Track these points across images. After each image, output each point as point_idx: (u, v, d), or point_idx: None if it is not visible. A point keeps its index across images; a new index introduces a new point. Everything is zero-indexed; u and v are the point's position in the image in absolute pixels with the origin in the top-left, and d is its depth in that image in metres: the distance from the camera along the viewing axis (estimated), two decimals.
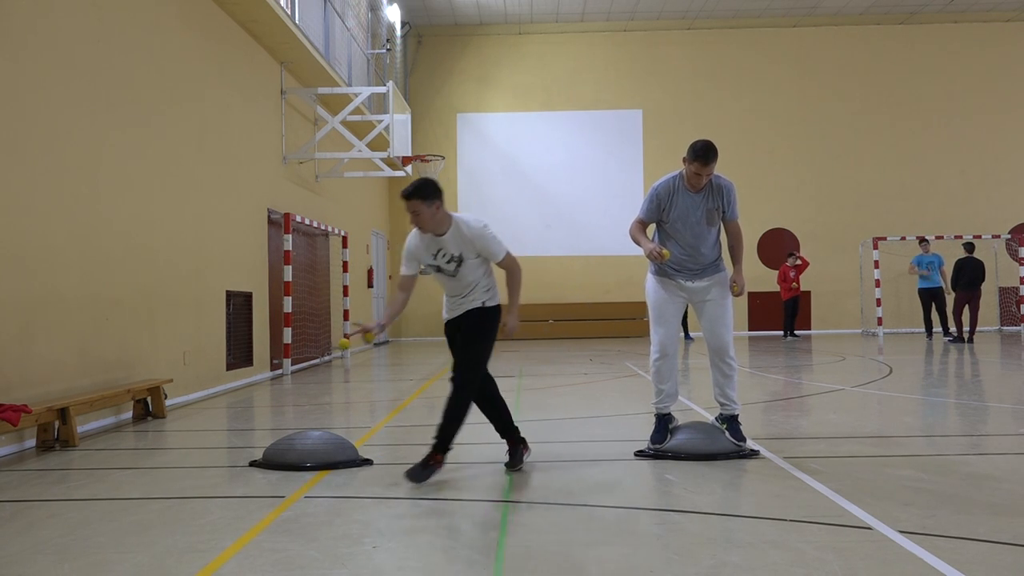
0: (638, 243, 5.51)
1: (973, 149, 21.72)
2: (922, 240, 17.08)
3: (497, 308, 5.17)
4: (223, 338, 10.47)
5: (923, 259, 16.67)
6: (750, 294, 21.35)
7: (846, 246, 21.45)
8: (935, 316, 16.84)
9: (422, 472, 4.82)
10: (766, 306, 21.35)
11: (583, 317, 21.46)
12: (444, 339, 5.33)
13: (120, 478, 5.35)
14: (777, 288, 19.46)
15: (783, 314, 19.10)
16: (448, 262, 5.04)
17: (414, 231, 5.09)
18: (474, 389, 5.05)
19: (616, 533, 3.82)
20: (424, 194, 4.87)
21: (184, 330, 9.28)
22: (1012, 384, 9.62)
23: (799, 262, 18.60)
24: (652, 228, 5.66)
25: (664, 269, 5.54)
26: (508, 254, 5.10)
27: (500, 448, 6.00)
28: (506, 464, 5.22)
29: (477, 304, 5.13)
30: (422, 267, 5.16)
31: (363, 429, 6.96)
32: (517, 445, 5.27)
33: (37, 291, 6.61)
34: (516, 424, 5.36)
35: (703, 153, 5.24)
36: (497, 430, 5.32)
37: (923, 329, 17.72)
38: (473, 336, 5.06)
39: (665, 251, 5.27)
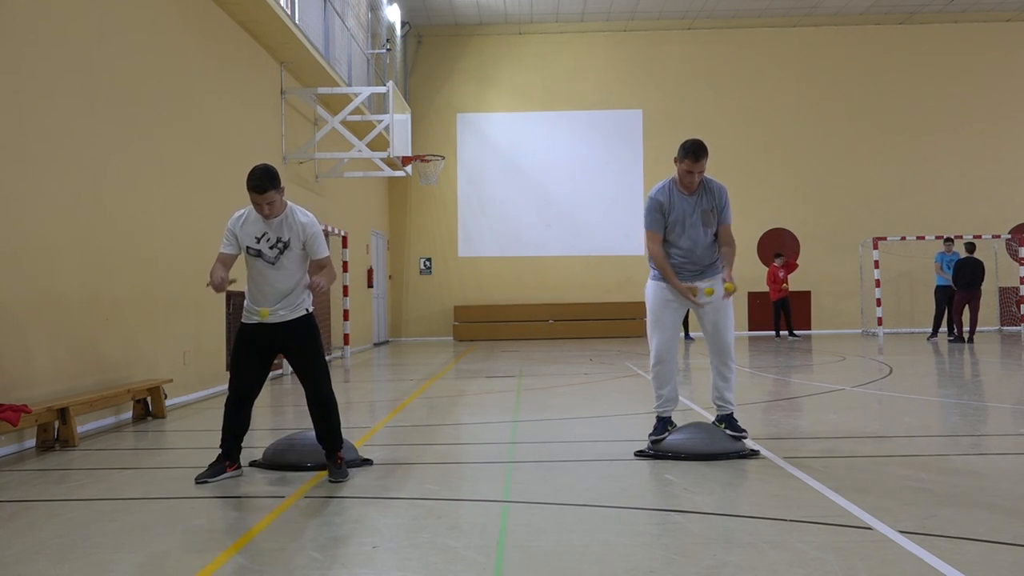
0: (664, 272, 5.42)
1: (973, 149, 21.71)
2: (947, 240, 17.04)
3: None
4: (223, 338, 10.47)
5: (944, 257, 16.67)
6: (750, 294, 21.35)
7: (846, 246, 21.44)
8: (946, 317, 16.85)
9: (343, 470, 5.00)
10: (766, 306, 21.32)
11: (583, 317, 21.45)
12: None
13: (120, 478, 5.35)
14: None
15: (772, 315, 19.09)
16: (271, 247, 4.97)
17: (244, 212, 5.02)
18: (331, 390, 5.15)
19: (616, 533, 3.82)
20: (277, 182, 4.83)
21: (184, 330, 9.28)
22: (1012, 384, 9.63)
23: (785, 261, 18.66)
24: None
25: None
26: (329, 257, 5.14)
27: (501, 448, 6.02)
28: (205, 476, 5.01)
29: (302, 312, 5.11)
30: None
31: (363, 429, 6.96)
32: (230, 464, 5.10)
33: (37, 291, 6.61)
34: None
35: (693, 150, 5.26)
36: (232, 437, 5.12)
37: (924, 328, 17.70)
38: (313, 348, 5.10)
39: (695, 289, 5.32)
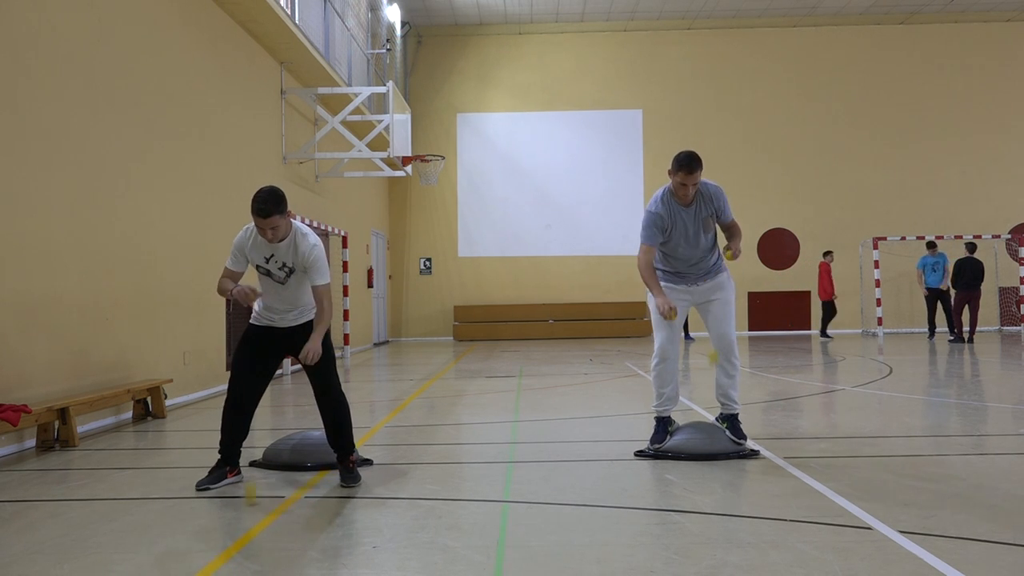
0: (650, 288, 5.34)
1: (973, 149, 21.70)
2: (929, 244, 17.05)
3: None
4: (223, 338, 10.47)
5: (929, 260, 16.72)
6: (750, 294, 21.35)
7: (846, 246, 21.43)
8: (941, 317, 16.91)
9: (356, 473, 4.93)
10: (766, 306, 21.36)
11: (583, 317, 21.44)
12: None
13: (120, 478, 5.35)
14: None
15: (824, 314, 18.68)
16: (280, 268, 4.93)
17: (249, 229, 4.94)
18: (342, 394, 5.13)
19: (616, 533, 3.83)
20: (282, 207, 4.72)
21: (184, 330, 9.28)
22: (1012, 384, 9.62)
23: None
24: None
25: (668, 275, 5.54)
26: (328, 285, 5.03)
27: (501, 448, 6.02)
28: (206, 483, 4.91)
29: (311, 316, 5.11)
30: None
31: (363, 429, 6.96)
32: (231, 470, 5.05)
33: (37, 291, 6.61)
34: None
35: (687, 163, 5.18)
36: (232, 443, 5.06)
37: (924, 328, 17.75)
38: (324, 352, 5.07)
39: (675, 311, 5.19)
